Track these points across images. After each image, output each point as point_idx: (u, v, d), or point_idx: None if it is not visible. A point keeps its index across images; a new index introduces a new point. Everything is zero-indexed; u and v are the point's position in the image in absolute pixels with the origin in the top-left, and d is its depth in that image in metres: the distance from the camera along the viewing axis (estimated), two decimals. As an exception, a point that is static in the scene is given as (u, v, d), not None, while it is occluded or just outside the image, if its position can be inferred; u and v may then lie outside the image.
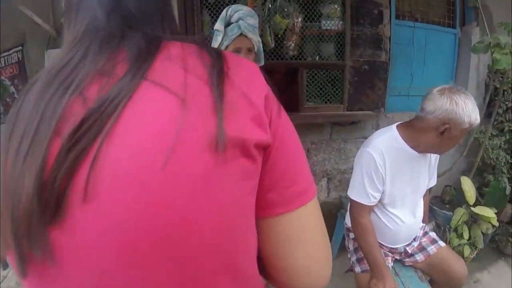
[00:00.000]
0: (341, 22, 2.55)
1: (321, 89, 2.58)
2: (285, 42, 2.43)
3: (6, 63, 3.34)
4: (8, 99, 3.49)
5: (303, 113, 2.55)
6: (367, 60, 2.68)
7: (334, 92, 2.63)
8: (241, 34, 1.63)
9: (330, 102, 2.64)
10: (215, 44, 1.73)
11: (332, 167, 2.93)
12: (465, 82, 3.49)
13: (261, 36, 2.33)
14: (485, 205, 2.57)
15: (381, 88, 2.82)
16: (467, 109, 1.26)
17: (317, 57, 2.53)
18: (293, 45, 2.42)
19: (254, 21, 1.68)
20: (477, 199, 2.56)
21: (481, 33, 3.47)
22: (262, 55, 1.87)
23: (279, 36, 2.41)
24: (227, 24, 1.68)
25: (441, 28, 3.48)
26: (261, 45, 1.82)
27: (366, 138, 3.04)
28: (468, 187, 2.55)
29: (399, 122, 1.61)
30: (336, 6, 2.51)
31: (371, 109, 2.82)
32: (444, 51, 3.53)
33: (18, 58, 3.34)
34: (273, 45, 2.38)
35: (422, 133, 1.39)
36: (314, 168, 2.87)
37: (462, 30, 3.58)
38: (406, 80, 3.30)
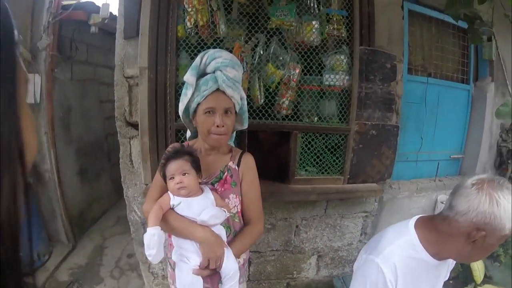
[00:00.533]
0: (347, 77, 2.01)
1: (318, 157, 2.01)
2: (277, 98, 1.87)
3: None
4: None
5: (294, 185, 1.97)
6: (375, 123, 2.13)
7: (334, 161, 2.06)
8: (217, 90, 1.25)
9: (328, 173, 2.06)
10: (183, 100, 1.30)
11: (324, 245, 2.34)
12: (478, 144, 3.03)
13: (248, 89, 1.77)
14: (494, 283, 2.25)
15: (390, 157, 2.26)
16: (510, 211, 0.93)
17: (316, 118, 1.97)
18: (287, 102, 1.86)
19: (235, 73, 1.29)
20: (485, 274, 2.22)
21: (495, 89, 3.03)
22: (246, 115, 1.43)
23: (271, 90, 1.85)
24: (201, 74, 1.29)
25: (454, 84, 2.99)
26: (245, 102, 1.38)
27: (368, 212, 2.50)
28: (478, 265, 2.17)
29: (417, 217, 1.17)
30: (342, 57, 1.97)
31: (376, 180, 2.26)
32: (456, 110, 3.03)
33: None
34: (262, 101, 1.82)
35: (448, 238, 1.04)
36: (302, 246, 2.28)
37: (475, 85, 3.11)
38: (416, 144, 2.78)
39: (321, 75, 1.96)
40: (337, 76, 1.97)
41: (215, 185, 1.34)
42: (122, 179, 1.95)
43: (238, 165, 1.39)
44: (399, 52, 2.21)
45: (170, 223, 1.20)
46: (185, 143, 1.45)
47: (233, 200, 1.35)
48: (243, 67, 1.60)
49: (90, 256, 3.33)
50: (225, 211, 1.24)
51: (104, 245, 3.56)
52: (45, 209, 3.18)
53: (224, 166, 1.36)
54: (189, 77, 1.25)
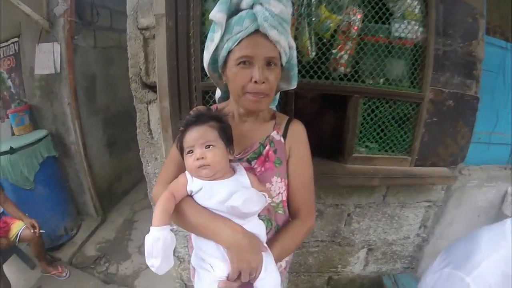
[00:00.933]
0: (421, 29, 1.47)
1: (382, 130, 1.52)
2: (333, 51, 1.38)
3: (5, 54, 2.92)
4: (5, 93, 3.02)
5: (350, 164, 1.51)
6: (453, 92, 1.60)
7: (401, 136, 1.56)
8: (256, 31, 0.85)
9: (392, 151, 1.58)
10: (209, 47, 0.92)
11: (378, 237, 1.89)
12: None
13: (295, 38, 1.31)
14: None
15: (466, 136, 1.73)
16: None
17: (382, 80, 1.47)
18: (345, 57, 1.37)
19: (282, 8, 0.87)
20: None
21: None
22: (296, 70, 1.00)
23: (325, 41, 1.37)
24: (234, 11, 0.88)
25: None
26: (294, 53, 0.96)
27: (432, 202, 1.87)
28: None
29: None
30: (414, 2, 1.44)
31: (448, 164, 1.75)
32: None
33: (15, 50, 2.86)
34: (313, 54, 1.34)
35: None
36: (352, 237, 1.85)
37: None
38: (489, 123, 2.17)
39: (389, 23, 1.44)
40: (409, 27, 1.44)
41: (253, 163, 0.94)
42: (140, 153, 1.60)
43: (285, 136, 0.99)
44: (480, 4, 1.61)
45: (186, 217, 0.83)
46: (213, 107, 1.05)
47: (277, 185, 0.95)
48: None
49: (119, 230, 3.14)
50: (265, 196, 0.85)
51: (133, 218, 3.36)
52: (73, 183, 2.99)
53: (265, 137, 0.97)
54: (216, 14, 0.84)
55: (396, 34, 1.43)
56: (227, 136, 0.86)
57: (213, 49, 0.88)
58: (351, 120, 1.44)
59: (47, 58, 2.67)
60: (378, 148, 1.55)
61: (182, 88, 1.35)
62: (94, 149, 3.09)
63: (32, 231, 2.28)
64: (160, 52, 1.36)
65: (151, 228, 0.75)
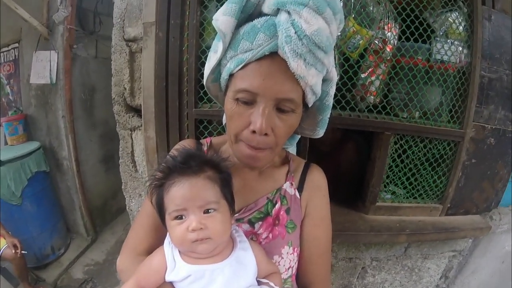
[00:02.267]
0: (465, 51, 1.11)
1: (413, 174, 1.15)
2: (362, 75, 1.02)
3: (5, 60, 2.63)
4: (3, 99, 2.69)
5: (372, 215, 1.14)
6: (495, 128, 1.24)
7: (434, 181, 1.19)
8: (274, 53, 0.50)
9: (422, 198, 1.20)
10: (210, 60, 0.59)
11: (393, 291, 1.50)
12: None
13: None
14: None
15: (503, 178, 1.37)
16: None
17: (417, 114, 1.10)
18: (377, 83, 1.01)
19: (322, 26, 0.48)
20: None
21: None
22: (327, 115, 0.65)
23: (351, 62, 1.00)
24: (249, 16, 0.53)
25: None
26: (332, 90, 0.62)
27: (456, 252, 1.20)
28: None
29: None
30: (459, 18, 1.09)
31: (480, 210, 1.39)
32: None
33: (15, 55, 2.54)
34: (336, 79, 0.99)
35: None
36: (363, 292, 1.46)
37: None
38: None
39: (428, 43, 1.09)
40: (453, 48, 1.08)
41: (256, 225, 0.62)
42: (122, 186, 1.24)
43: (300, 189, 0.67)
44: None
45: None
46: (206, 141, 0.72)
47: (288, 258, 0.62)
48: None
49: (109, 252, 2.74)
50: None
51: (126, 240, 2.96)
52: (64, 199, 2.61)
53: (275, 191, 0.65)
54: (220, 18, 0.52)
55: (438, 57, 1.08)
56: (230, 192, 0.54)
57: (215, 64, 0.56)
58: (379, 162, 1.07)
59: (43, 66, 2.33)
60: (405, 195, 1.17)
61: (171, 115, 0.99)
62: (89, 165, 2.72)
63: (13, 251, 1.93)
64: (147, 69, 1.01)
65: None
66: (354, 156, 1.23)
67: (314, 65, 0.50)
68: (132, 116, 1.13)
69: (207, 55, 0.95)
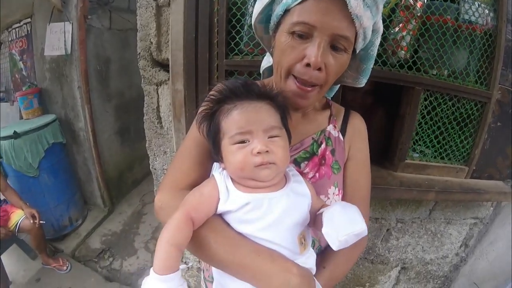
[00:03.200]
0: (491, 15, 1.10)
1: (441, 133, 1.16)
2: (393, 31, 1.02)
3: (17, 36, 2.63)
4: (17, 75, 2.72)
5: (401, 172, 1.15)
6: (520, 91, 1.23)
7: (461, 142, 1.19)
8: None
9: (449, 159, 1.21)
10: (259, 3, 0.59)
11: (415, 256, 1.53)
12: None
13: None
14: None
15: (527, 145, 1.36)
16: None
17: (445, 72, 1.09)
18: (408, 38, 1.01)
19: None
20: None
21: None
22: (371, 65, 0.66)
23: (383, 16, 0.99)
24: None
25: None
26: (377, 41, 0.62)
27: (478, 219, 1.35)
28: None
29: None
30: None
31: (503, 177, 1.39)
32: None
33: (27, 31, 2.54)
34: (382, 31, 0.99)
35: None
36: (387, 255, 1.49)
37: None
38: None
39: (456, 2, 1.07)
40: (480, 10, 1.07)
41: (302, 165, 0.63)
42: (147, 144, 1.27)
43: (343, 132, 0.69)
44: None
45: (213, 251, 0.50)
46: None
47: (333, 199, 0.63)
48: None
49: (126, 222, 2.82)
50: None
51: (143, 211, 3.03)
52: (81, 171, 2.68)
53: (320, 132, 0.66)
54: None
55: (466, 17, 1.06)
56: (287, 124, 0.55)
57: (268, 1, 0.56)
58: (408, 118, 1.07)
59: (58, 38, 2.34)
60: (433, 155, 1.18)
61: (200, 67, 1.00)
62: (105, 137, 2.77)
63: (31, 221, 1.99)
64: (175, 22, 1.02)
65: (152, 274, 0.43)
66: (383, 122, 1.23)
67: (371, 7, 0.51)
68: (159, 71, 1.14)
69: (238, 6, 0.96)
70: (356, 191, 0.66)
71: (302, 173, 0.61)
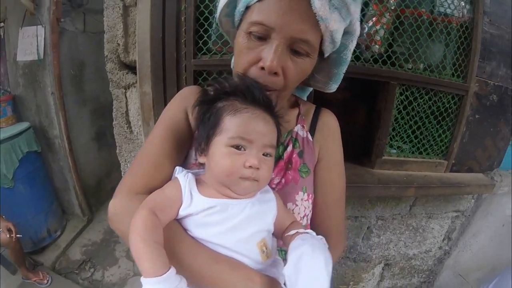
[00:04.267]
0: (467, 7, 1.11)
1: (419, 127, 1.15)
2: (365, 25, 1.01)
3: None
4: None
5: (379, 169, 1.14)
6: (497, 85, 1.25)
7: (439, 136, 1.20)
8: None
9: (427, 153, 1.21)
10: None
11: (398, 252, 1.53)
12: None
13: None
14: None
15: (505, 137, 1.39)
16: None
17: (421, 66, 1.09)
18: (381, 32, 1.00)
19: None
20: None
21: None
22: (343, 70, 0.62)
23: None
24: None
25: None
26: (352, 45, 0.58)
27: (460, 212, 1.34)
28: None
29: None
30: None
31: (483, 169, 1.41)
32: None
33: (0, 35, 2.37)
34: (359, 33, 0.97)
35: None
36: (369, 253, 1.48)
37: None
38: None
39: (432, -3, 1.07)
40: (455, 2, 1.07)
41: None
42: (117, 150, 1.22)
43: (312, 132, 0.65)
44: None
45: (178, 259, 0.45)
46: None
47: (303, 205, 0.59)
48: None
49: (106, 231, 2.73)
50: None
51: (124, 219, 2.95)
52: (57, 179, 2.57)
53: (286, 133, 0.63)
54: None
55: (442, 9, 1.07)
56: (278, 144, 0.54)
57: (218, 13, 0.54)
58: (384, 113, 1.07)
59: (30, 43, 2.24)
60: (411, 150, 1.18)
61: (168, 68, 0.97)
62: (81, 143, 2.67)
63: (8, 235, 1.89)
64: (142, 21, 0.98)
65: (144, 282, 0.38)
66: (362, 119, 1.22)
67: (339, 9, 0.48)
68: (126, 73, 1.10)
69: (206, 3, 0.93)
70: (329, 194, 0.63)
71: None
